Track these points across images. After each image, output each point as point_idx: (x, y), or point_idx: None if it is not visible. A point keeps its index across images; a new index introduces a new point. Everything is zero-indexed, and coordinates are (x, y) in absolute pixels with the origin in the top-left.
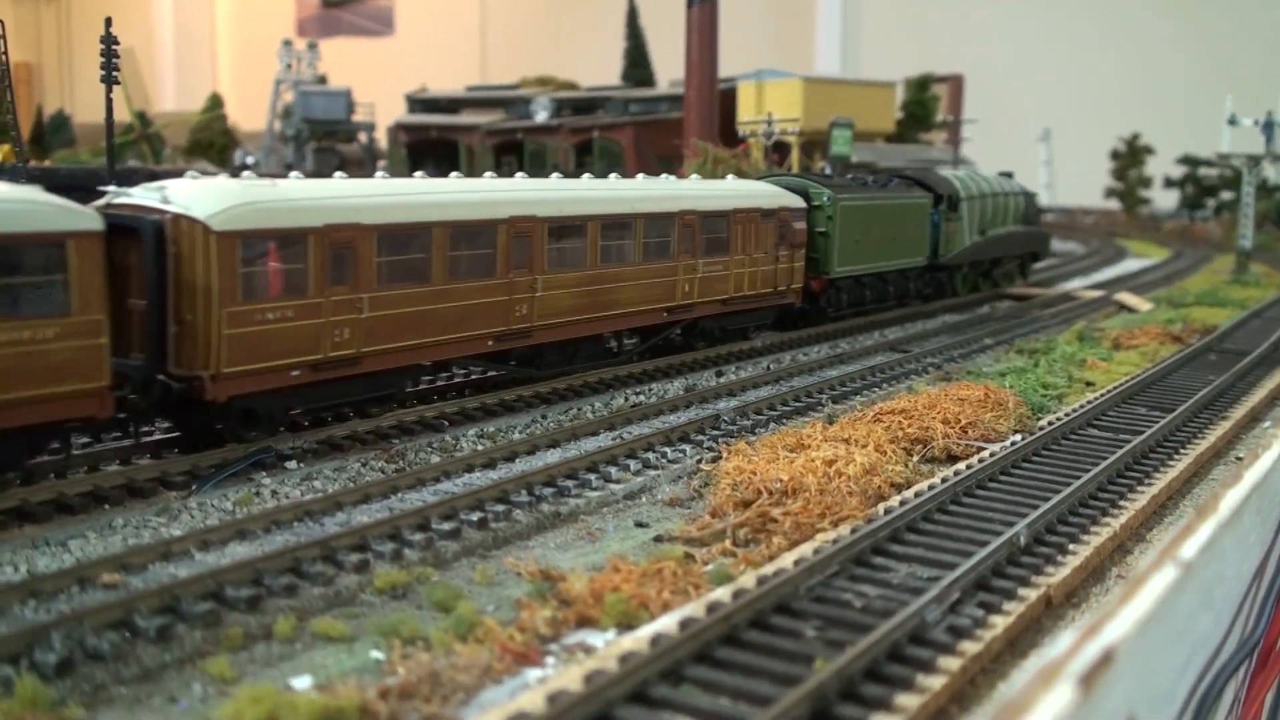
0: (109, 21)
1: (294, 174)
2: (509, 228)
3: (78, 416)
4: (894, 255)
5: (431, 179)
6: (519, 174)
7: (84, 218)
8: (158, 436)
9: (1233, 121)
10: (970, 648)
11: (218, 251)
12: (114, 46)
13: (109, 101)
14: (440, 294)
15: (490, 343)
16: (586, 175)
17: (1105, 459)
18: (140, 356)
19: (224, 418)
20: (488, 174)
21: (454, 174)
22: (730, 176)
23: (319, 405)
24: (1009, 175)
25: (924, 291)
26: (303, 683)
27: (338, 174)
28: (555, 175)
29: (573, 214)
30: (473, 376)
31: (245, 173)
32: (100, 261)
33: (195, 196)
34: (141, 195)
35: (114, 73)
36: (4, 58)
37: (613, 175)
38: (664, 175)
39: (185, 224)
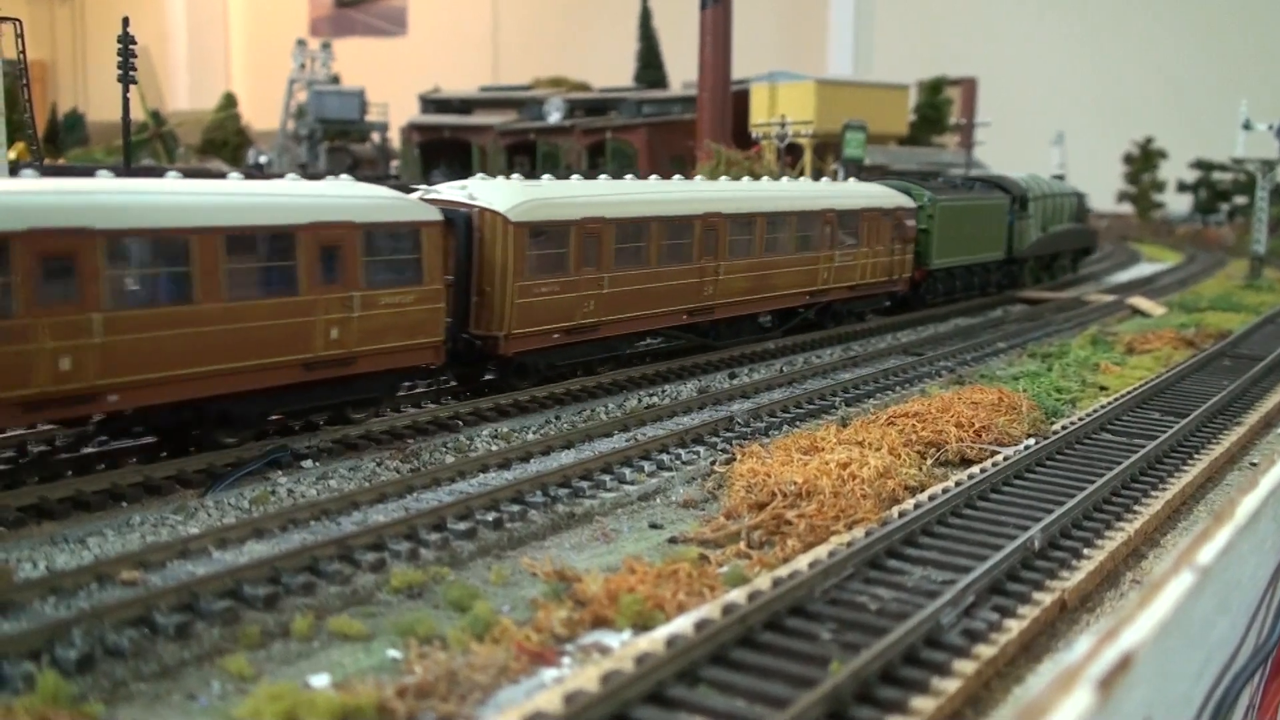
0: (126, 21)
1: (517, 176)
2: (702, 222)
3: (423, 363)
4: (979, 250)
5: (643, 181)
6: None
7: (432, 211)
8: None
9: (1247, 126)
10: (985, 651)
11: (514, 238)
12: (130, 46)
13: (125, 101)
14: (654, 275)
15: (685, 316)
16: (746, 179)
17: (1119, 463)
18: (448, 320)
19: (505, 370)
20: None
21: (653, 176)
22: (852, 180)
23: (567, 362)
24: (1061, 178)
25: (1000, 282)
26: (321, 681)
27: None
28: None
29: (747, 211)
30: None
31: (514, 175)
32: (440, 245)
33: (495, 194)
34: (450, 193)
35: (130, 72)
36: (21, 57)
37: (764, 179)
38: (800, 178)
39: (489, 216)
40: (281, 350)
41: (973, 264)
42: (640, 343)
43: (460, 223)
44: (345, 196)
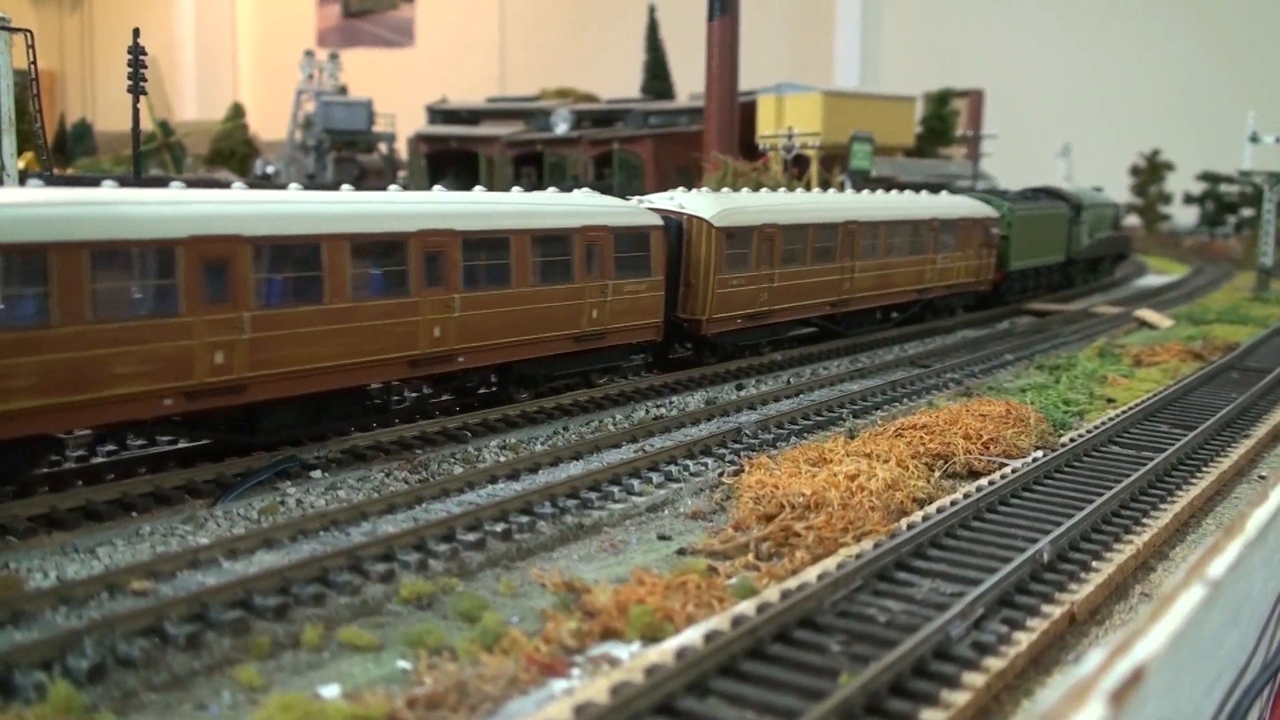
0: (136, 32)
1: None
2: (844, 229)
3: (648, 338)
4: (1046, 254)
5: (805, 193)
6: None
7: (657, 217)
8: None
9: (1254, 138)
10: (995, 664)
11: (715, 239)
12: (141, 57)
13: (135, 111)
14: (810, 272)
15: (828, 307)
16: (866, 192)
17: (1128, 476)
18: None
19: (701, 347)
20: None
21: (764, 189)
22: (944, 192)
23: (745, 342)
24: (1100, 189)
25: (1060, 282)
26: (331, 691)
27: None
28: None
29: (875, 219)
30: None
31: (583, 188)
32: (663, 245)
33: (700, 203)
34: (662, 202)
35: (141, 83)
36: (32, 67)
37: (864, 191)
38: (895, 191)
39: (696, 221)
40: (562, 326)
41: (1040, 266)
42: (792, 331)
43: (672, 227)
44: (599, 206)
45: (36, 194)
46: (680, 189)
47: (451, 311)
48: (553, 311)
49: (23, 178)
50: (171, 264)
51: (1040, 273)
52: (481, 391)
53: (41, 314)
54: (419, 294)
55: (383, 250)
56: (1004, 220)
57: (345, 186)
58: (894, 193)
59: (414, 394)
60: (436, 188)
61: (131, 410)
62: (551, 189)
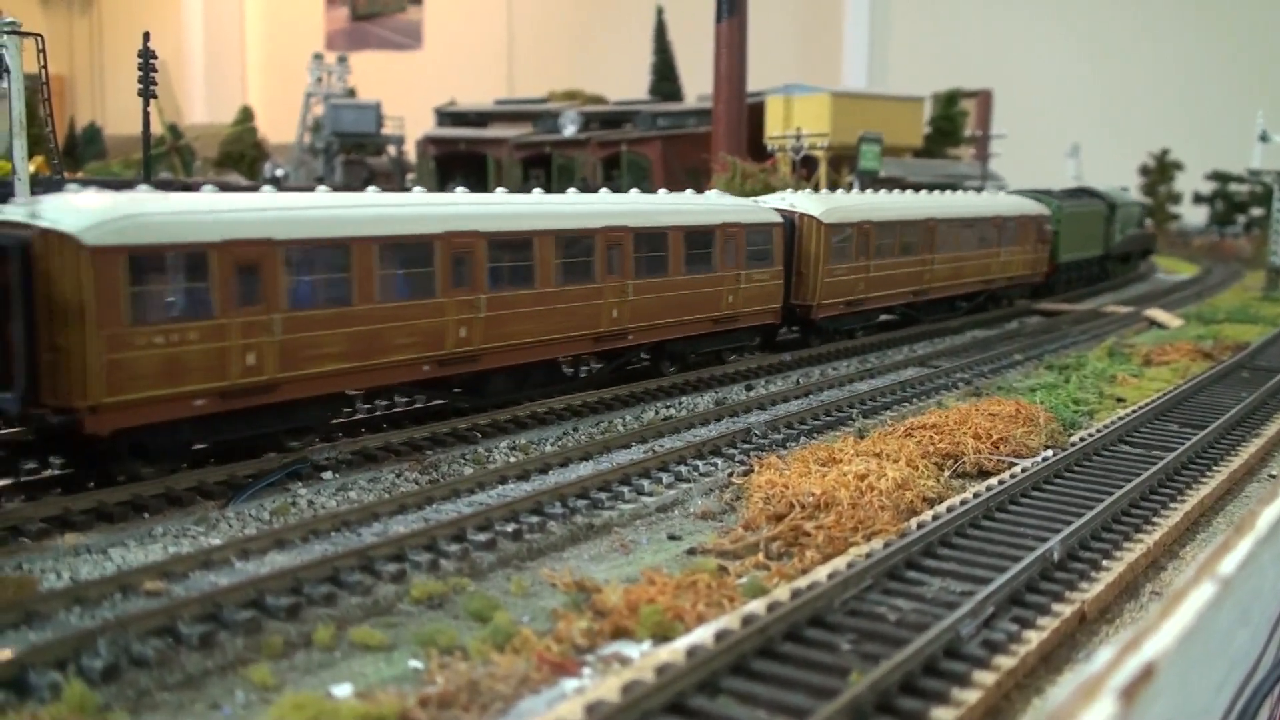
0: (147, 36)
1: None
2: (925, 226)
3: (769, 321)
4: (1088, 248)
5: (896, 194)
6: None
7: (778, 215)
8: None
9: (1264, 138)
10: (1005, 662)
11: (824, 234)
12: (151, 60)
13: (146, 115)
14: (897, 264)
15: (910, 296)
16: (947, 193)
17: (1138, 475)
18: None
19: (808, 331)
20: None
21: (824, 190)
22: (1001, 193)
23: (843, 327)
24: (1126, 189)
25: (1098, 275)
26: (343, 690)
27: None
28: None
29: (951, 217)
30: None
31: (714, 192)
32: (782, 239)
33: (810, 202)
34: (775, 201)
35: (151, 86)
36: (43, 71)
37: (923, 193)
38: (959, 191)
39: (807, 219)
40: (705, 310)
41: (1083, 259)
42: (879, 317)
43: (787, 223)
44: (734, 205)
45: (340, 198)
46: (790, 190)
47: (626, 296)
48: (698, 297)
49: (34, 182)
50: (430, 255)
51: (1083, 265)
52: (631, 367)
53: (346, 295)
54: (602, 281)
55: (578, 244)
56: (1054, 217)
57: (499, 190)
58: (963, 193)
59: (584, 368)
60: (570, 190)
61: (403, 374)
62: (689, 191)
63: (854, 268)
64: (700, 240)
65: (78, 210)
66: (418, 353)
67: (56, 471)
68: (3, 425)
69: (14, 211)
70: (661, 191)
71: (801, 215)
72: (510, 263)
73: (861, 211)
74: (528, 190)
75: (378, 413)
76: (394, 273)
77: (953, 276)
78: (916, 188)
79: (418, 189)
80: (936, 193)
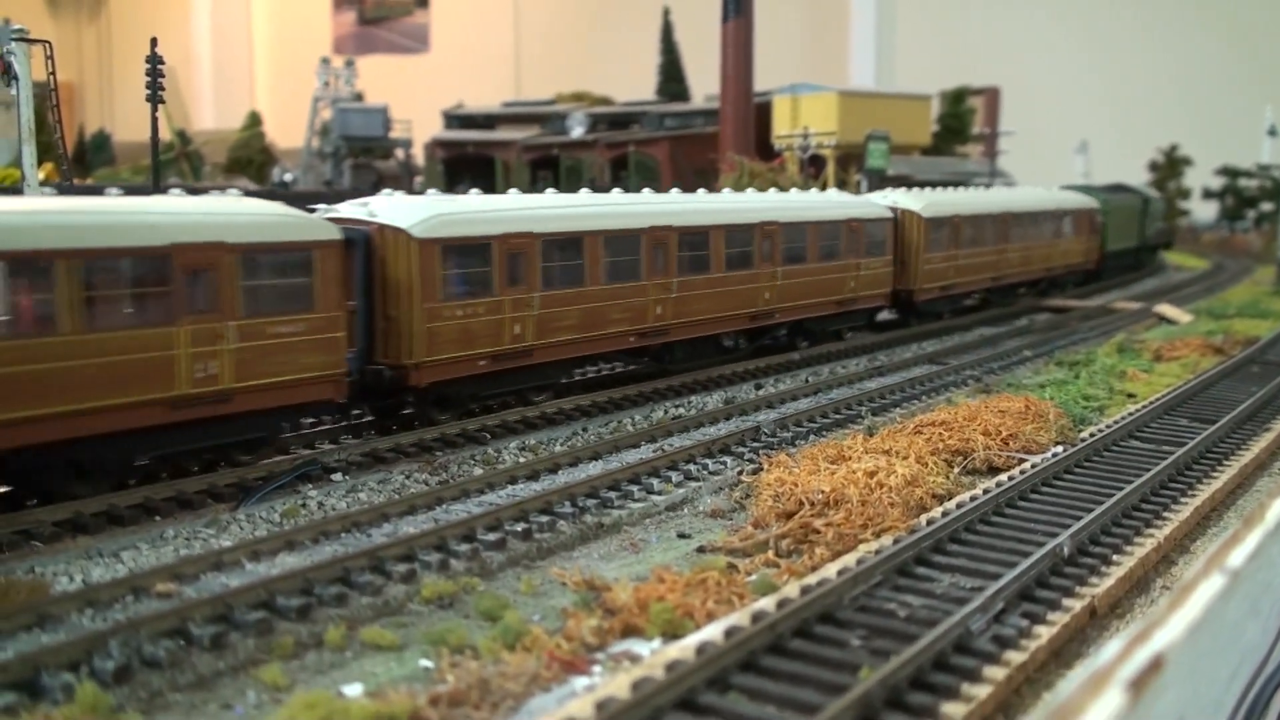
0: (154, 42)
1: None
2: (1001, 219)
3: (879, 304)
4: (1127, 240)
5: (975, 190)
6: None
7: (890, 211)
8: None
9: (1273, 132)
10: (1015, 657)
11: (925, 228)
12: (159, 66)
13: (154, 120)
14: (979, 253)
15: (990, 281)
16: (971, 188)
17: (1148, 470)
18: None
19: (908, 312)
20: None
21: (902, 189)
22: (1055, 188)
23: (938, 309)
24: (1150, 186)
25: (1133, 264)
26: (354, 690)
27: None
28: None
29: (1021, 211)
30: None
31: (784, 189)
32: (892, 233)
33: (909, 199)
34: (879, 198)
35: (159, 92)
36: (51, 78)
37: (995, 189)
38: (1023, 186)
39: (910, 214)
40: (833, 293)
41: (1124, 249)
42: (964, 301)
43: (890, 219)
44: (855, 202)
45: (572, 198)
46: (889, 188)
47: (776, 281)
48: (829, 282)
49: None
50: (638, 245)
51: (1123, 255)
52: (767, 342)
53: (580, 278)
54: (759, 268)
55: (740, 236)
56: (1102, 210)
57: (646, 191)
58: (1029, 189)
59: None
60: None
61: (615, 344)
62: (794, 190)
63: (946, 256)
64: (831, 233)
65: (406, 210)
66: (627, 326)
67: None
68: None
69: (354, 210)
70: (793, 191)
71: (904, 211)
72: (692, 252)
73: (953, 207)
74: (538, 190)
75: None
76: (612, 260)
77: (1022, 264)
78: (922, 185)
79: (513, 190)
80: (1008, 189)
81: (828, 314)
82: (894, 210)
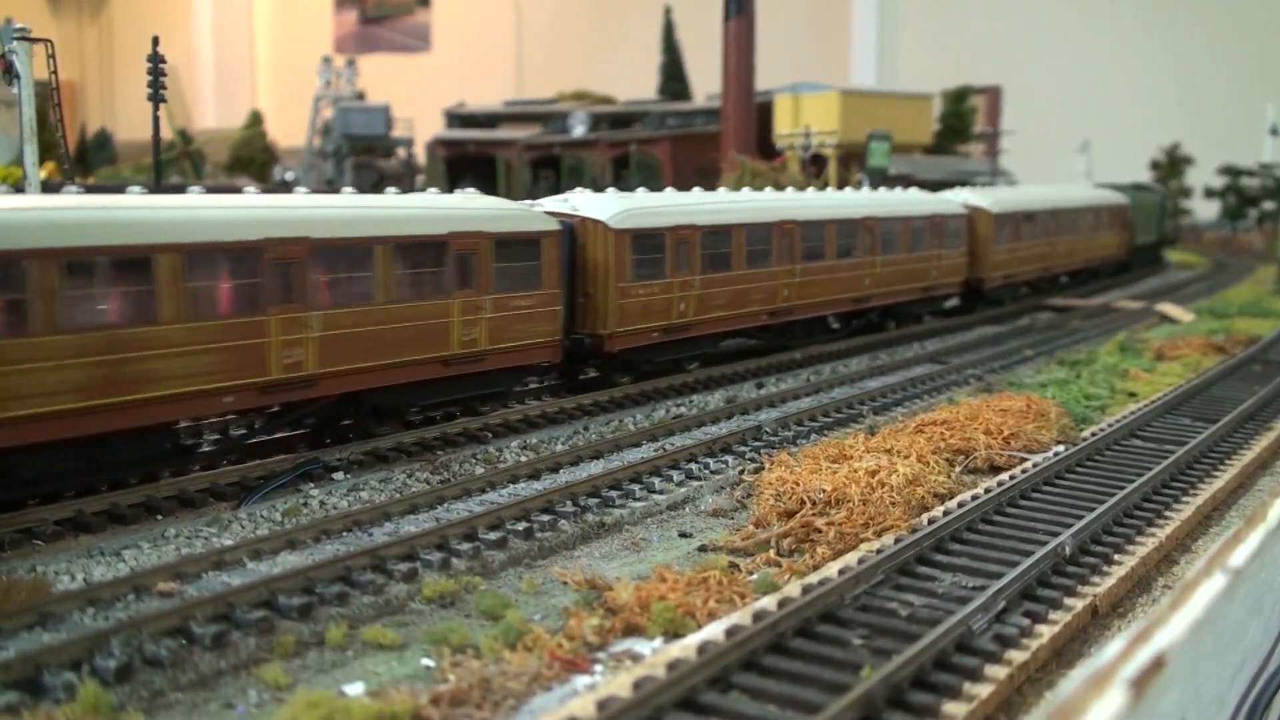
0: (156, 40)
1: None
2: (1055, 214)
3: (955, 291)
4: (1149, 234)
5: (1032, 188)
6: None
7: (962, 207)
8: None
9: (1274, 131)
10: (1017, 656)
11: (993, 223)
12: (160, 65)
13: (156, 119)
14: (1035, 246)
15: (1040, 271)
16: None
17: (1150, 470)
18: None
19: (975, 298)
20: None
21: (963, 189)
22: (1091, 186)
23: (1002, 295)
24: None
25: (1152, 257)
26: (355, 689)
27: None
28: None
29: (1068, 207)
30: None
31: (853, 187)
32: (966, 226)
33: (978, 197)
34: (951, 195)
35: (161, 91)
36: (53, 77)
37: (1047, 187)
38: (1052, 185)
39: (980, 212)
40: (918, 281)
41: (1146, 243)
42: (1021, 290)
43: (963, 214)
44: (936, 199)
45: (724, 195)
46: (960, 187)
47: (875, 269)
48: (916, 270)
49: (45, 188)
50: (770, 236)
51: (1146, 249)
52: (855, 324)
53: (729, 263)
54: (861, 257)
55: (847, 229)
56: (1130, 207)
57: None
58: (1072, 187)
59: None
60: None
61: (751, 321)
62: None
63: (1010, 249)
64: (918, 227)
65: (602, 204)
66: (760, 306)
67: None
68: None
69: (558, 205)
70: (882, 189)
71: (975, 207)
72: (809, 243)
73: (1017, 204)
74: (538, 191)
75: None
76: (750, 249)
77: (1069, 255)
78: (924, 185)
79: (580, 190)
80: (1056, 187)
81: (914, 299)
82: (967, 207)
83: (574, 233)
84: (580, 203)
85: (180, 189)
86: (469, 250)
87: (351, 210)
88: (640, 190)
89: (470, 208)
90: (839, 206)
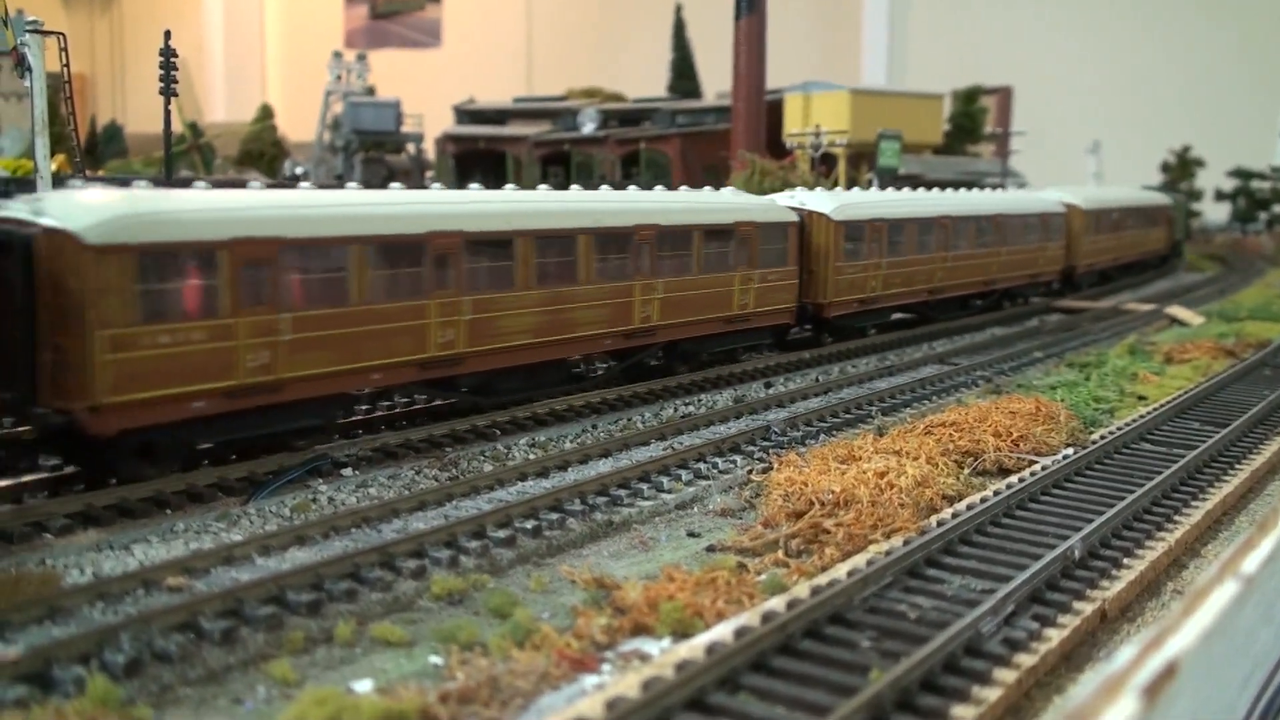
0: (168, 34)
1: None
2: (1124, 210)
3: (1053, 279)
4: (1179, 232)
5: (1111, 188)
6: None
7: (1061, 205)
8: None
9: None
10: (1026, 660)
11: (1085, 218)
12: (172, 59)
13: (167, 113)
14: (1110, 239)
15: (1112, 260)
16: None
17: (1159, 473)
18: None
19: (1068, 285)
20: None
21: (1055, 189)
22: (1139, 186)
23: (1088, 283)
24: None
25: (1180, 252)
26: (364, 686)
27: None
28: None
29: (1131, 206)
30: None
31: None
32: (1065, 223)
33: (1073, 196)
34: (1053, 194)
35: (172, 84)
36: (65, 70)
37: (1117, 187)
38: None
39: (1075, 210)
40: (1028, 268)
41: (1179, 240)
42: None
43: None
44: (1044, 199)
45: (884, 194)
46: (1051, 186)
47: (1000, 257)
48: (1029, 258)
49: (56, 180)
50: (931, 229)
51: (1178, 244)
52: (980, 303)
53: (906, 251)
54: (992, 247)
55: (982, 226)
56: (1171, 208)
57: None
58: (1130, 188)
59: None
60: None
61: (915, 297)
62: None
63: (1094, 240)
64: (1033, 223)
65: (824, 200)
66: (922, 285)
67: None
68: None
69: (787, 200)
70: (986, 190)
71: (1069, 205)
72: (959, 236)
73: (1100, 203)
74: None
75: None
76: (920, 239)
77: (1134, 247)
78: (936, 186)
79: (799, 188)
80: (1118, 188)
81: (1026, 283)
82: (1065, 205)
83: (804, 223)
84: (808, 198)
85: (187, 182)
86: (746, 236)
87: (719, 202)
88: (837, 190)
89: (746, 203)
90: (976, 205)
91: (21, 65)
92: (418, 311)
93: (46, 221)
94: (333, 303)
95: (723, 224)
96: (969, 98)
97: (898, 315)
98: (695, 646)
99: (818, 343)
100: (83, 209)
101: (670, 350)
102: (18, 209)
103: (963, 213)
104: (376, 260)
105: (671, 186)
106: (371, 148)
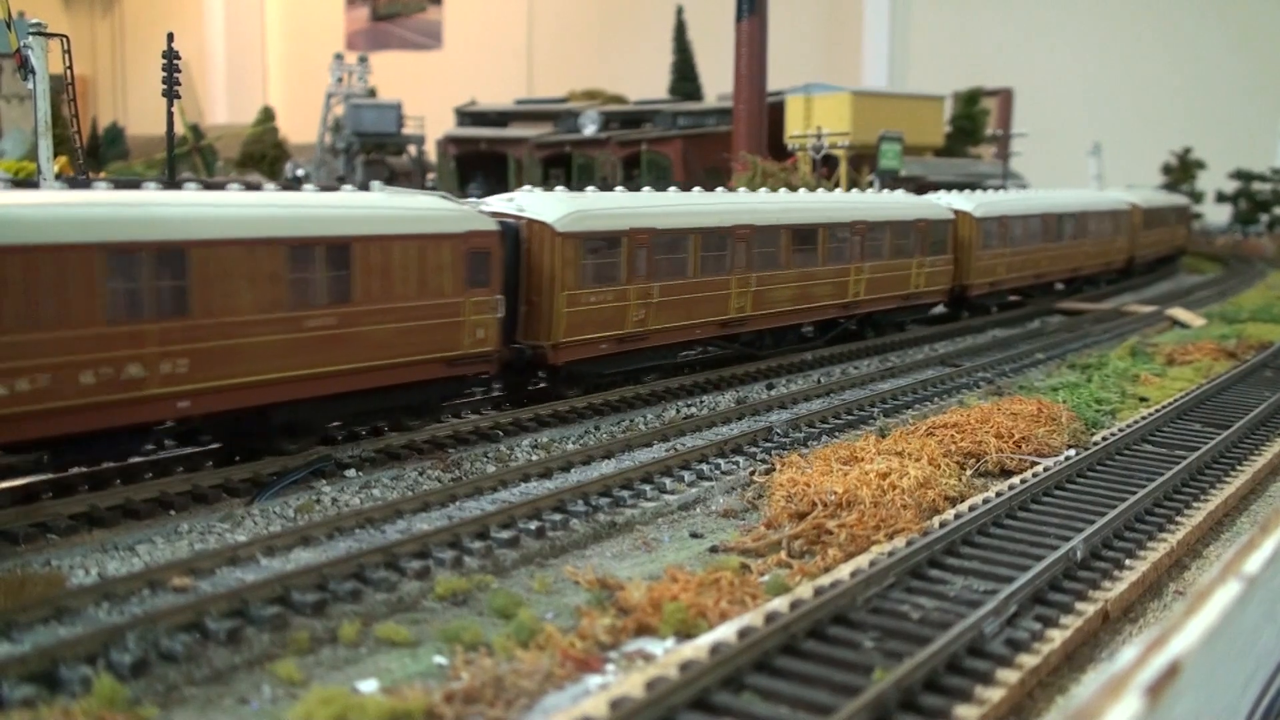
0: (171, 36)
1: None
2: (1161, 209)
3: (1118, 270)
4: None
5: (1148, 190)
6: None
7: (1125, 204)
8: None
9: None
10: (1028, 660)
11: (1141, 216)
12: (174, 60)
13: (170, 115)
14: (1157, 234)
15: (1153, 254)
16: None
17: (1161, 474)
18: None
19: (1127, 273)
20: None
21: (1114, 189)
22: (1162, 189)
23: (1141, 271)
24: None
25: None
26: (369, 686)
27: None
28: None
29: (1161, 206)
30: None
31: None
32: (1128, 219)
33: (1133, 196)
34: (1118, 194)
35: (175, 86)
36: (68, 72)
37: (1150, 190)
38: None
39: (1135, 209)
40: (1103, 259)
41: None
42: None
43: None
44: (1114, 198)
45: (988, 195)
46: (966, 189)
47: (1083, 248)
48: (1100, 250)
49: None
50: (1040, 223)
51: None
52: (1013, 299)
53: (1017, 241)
54: (1075, 241)
55: (1067, 221)
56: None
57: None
58: (1156, 191)
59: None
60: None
61: (1039, 282)
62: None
63: (1147, 234)
64: (1102, 219)
65: (963, 201)
66: (1033, 270)
67: None
68: None
69: (936, 199)
70: (1060, 189)
71: (1132, 204)
72: (1071, 228)
73: (1150, 203)
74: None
75: None
76: (1022, 233)
77: (1167, 241)
78: (938, 187)
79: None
80: (1150, 190)
81: (1098, 271)
82: (1128, 204)
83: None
84: (954, 200)
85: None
86: (923, 230)
87: (902, 203)
88: (966, 192)
89: (920, 203)
90: (1068, 204)
91: (24, 68)
92: (724, 284)
93: (530, 215)
94: (681, 276)
95: (905, 219)
96: (970, 99)
97: (1012, 297)
98: (699, 647)
99: (956, 317)
100: (550, 206)
101: (864, 320)
102: (504, 206)
103: (1067, 210)
104: (704, 246)
105: (686, 189)
106: (373, 149)
